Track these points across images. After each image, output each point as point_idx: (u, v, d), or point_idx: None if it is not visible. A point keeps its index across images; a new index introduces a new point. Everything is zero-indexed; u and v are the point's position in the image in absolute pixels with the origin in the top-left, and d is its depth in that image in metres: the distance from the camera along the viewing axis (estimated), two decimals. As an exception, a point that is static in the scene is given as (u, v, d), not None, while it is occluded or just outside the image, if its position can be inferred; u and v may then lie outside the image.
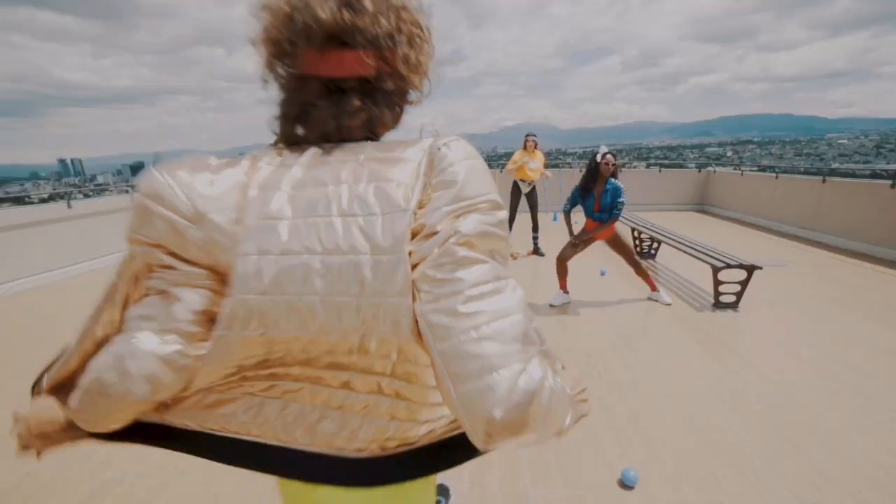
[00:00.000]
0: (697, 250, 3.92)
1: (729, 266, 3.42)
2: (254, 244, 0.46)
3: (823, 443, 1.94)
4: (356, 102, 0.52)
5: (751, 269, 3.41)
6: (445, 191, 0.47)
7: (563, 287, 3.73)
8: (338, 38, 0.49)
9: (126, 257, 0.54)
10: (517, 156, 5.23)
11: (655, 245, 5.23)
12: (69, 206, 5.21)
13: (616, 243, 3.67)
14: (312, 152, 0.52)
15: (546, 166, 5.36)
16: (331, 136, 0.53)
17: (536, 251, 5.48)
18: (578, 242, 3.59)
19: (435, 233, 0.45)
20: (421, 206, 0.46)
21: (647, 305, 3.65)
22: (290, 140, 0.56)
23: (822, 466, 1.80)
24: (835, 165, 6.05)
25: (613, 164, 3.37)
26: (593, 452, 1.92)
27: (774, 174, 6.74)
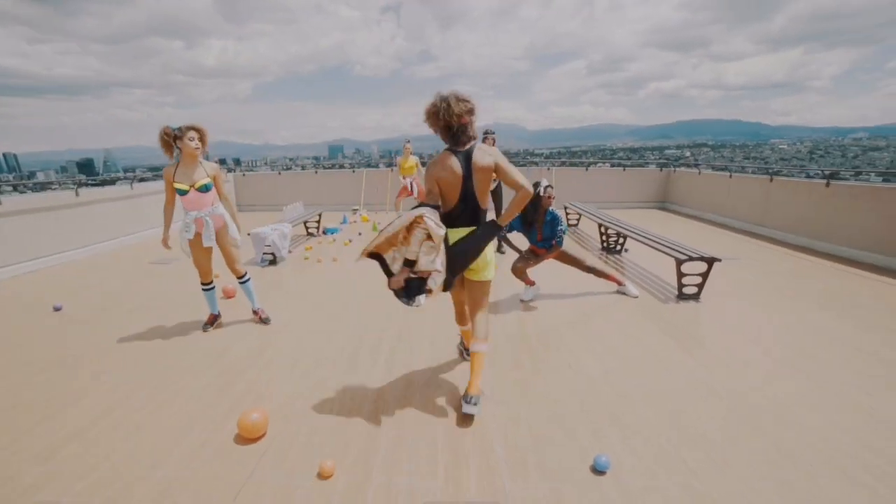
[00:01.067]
0: (662, 244, 4.07)
1: (691, 258, 3.56)
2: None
3: (781, 423, 2.04)
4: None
5: (711, 262, 3.58)
6: None
7: (529, 283, 3.79)
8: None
9: None
10: None
11: (622, 240, 5.39)
12: None
13: (565, 259, 3.72)
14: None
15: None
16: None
17: (499, 248, 5.52)
18: (529, 258, 3.66)
19: None
20: None
21: (615, 298, 3.75)
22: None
23: (782, 445, 1.89)
24: (776, 168, 6.55)
25: (553, 198, 3.44)
26: (568, 444, 1.93)
27: (728, 174, 7.14)
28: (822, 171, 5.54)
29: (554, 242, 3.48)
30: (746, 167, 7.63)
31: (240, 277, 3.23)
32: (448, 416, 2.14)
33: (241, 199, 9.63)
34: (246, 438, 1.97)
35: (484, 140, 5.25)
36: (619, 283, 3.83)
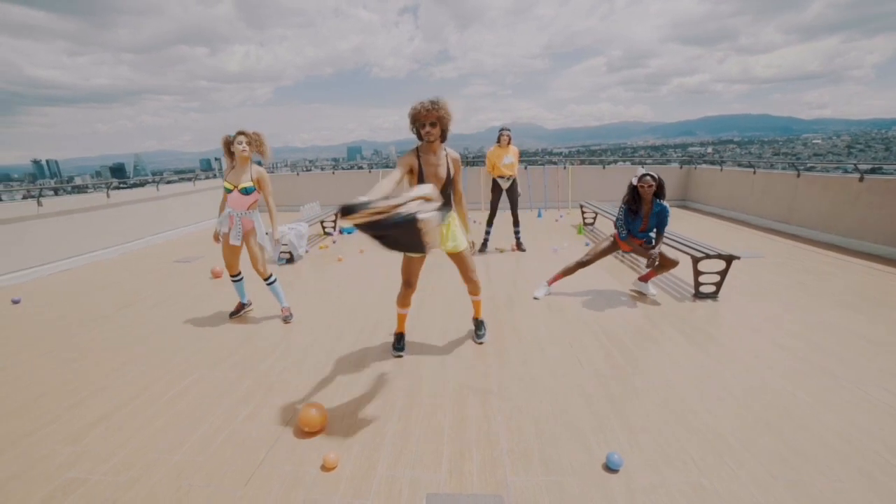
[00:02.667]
0: (678, 241, 3.97)
1: (708, 256, 3.47)
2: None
3: (797, 422, 1.98)
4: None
5: (729, 259, 3.48)
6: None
7: (553, 282, 3.76)
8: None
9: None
10: (491, 153, 5.24)
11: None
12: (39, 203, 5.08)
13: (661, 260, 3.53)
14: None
15: (519, 160, 5.38)
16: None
17: (519, 246, 5.50)
18: (608, 248, 3.61)
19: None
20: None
21: (628, 296, 3.68)
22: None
23: (796, 444, 1.83)
24: (810, 164, 6.20)
25: (651, 186, 3.28)
26: (574, 439, 1.92)
27: (752, 170, 6.90)
28: (857, 165, 5.27)
29: (654, 241, 3.44)
30: (776, 163, 7.34)
31: (265, 279, 3.34)
32: (455, 409, 2.16)
33: (261, 200, 9.89)
34: (305, 432, 2.00)
35: (499, 138, 5.24)
36: (646, 279, 3.71)
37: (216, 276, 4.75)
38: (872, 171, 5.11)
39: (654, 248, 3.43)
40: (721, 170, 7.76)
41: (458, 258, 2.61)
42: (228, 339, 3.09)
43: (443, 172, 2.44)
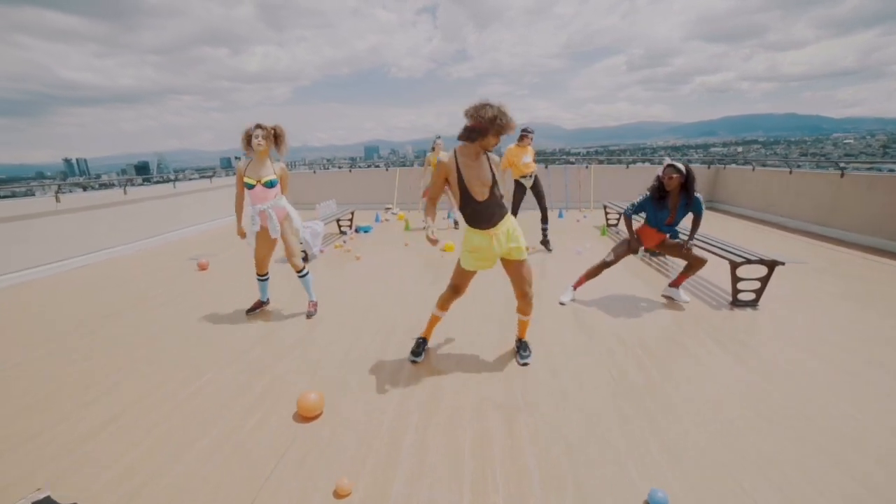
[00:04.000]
0: (714, 245, 3.72)
1: (749, 261, 3.22)
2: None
3: (862, 451, 1.74)
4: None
5: (772, 265, 3.21)
6: None
7: (578, 286, 3.57)
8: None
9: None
10: (510, 151, 5.05)
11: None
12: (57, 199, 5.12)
13: (681, 254, 3.37)
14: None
15: (535, 160, 5.22)
16: None
17: (546, 245, 5.32)
18: (632, 246, 3.39)
19: None
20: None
21: (661, 303, 3.44)
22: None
23: (868, 481, 1.60)
24: (842, 165, 5.77)
25: (672, 178, 3.06)
26: (610, 463, 1.73)
27: (788, 169, 6.52)
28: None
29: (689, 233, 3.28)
30: (803, 164, 6.97)
31: (298, 271, 3.32)
32: (477, 425, 1.99)
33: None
34: (304, 417, 2.05)
35: (521, 138, 5.06)
36: (677, 285, 3.50)
37: (202, 268, 4.82)
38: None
39: (688, 240, 3.26)
40: (753, 169, 7.38)
41: (514, 267, 2.39)
42: (243, 337, 2.99)
43: (486, 174, 2.23)
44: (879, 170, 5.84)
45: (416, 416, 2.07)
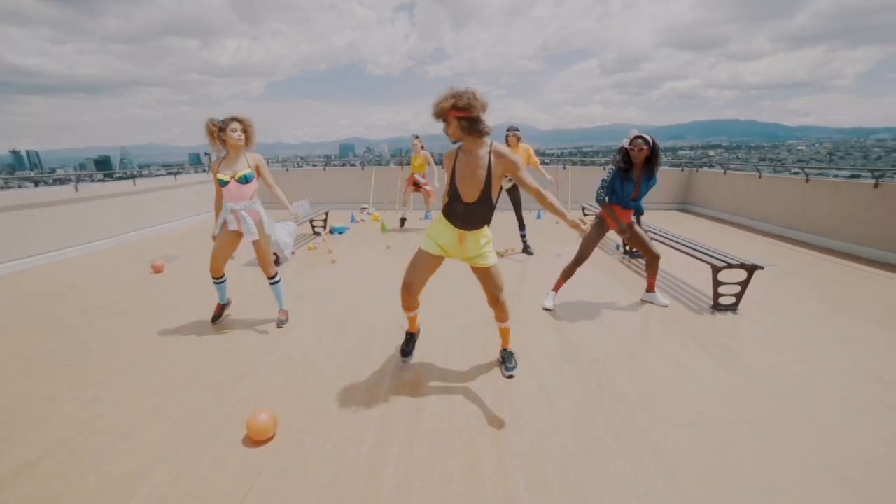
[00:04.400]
0: (695, 249, 3.72)
1: (730, 265, 3.22)
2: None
3: (846, 454, 1.71)
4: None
5: (752, 269, 3.23)
6: None
7: (557, 288, 3.48)
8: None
9: None
10: None
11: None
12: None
13: (634, 238, 3.33)
14: None
15: (528, 161, 5.07)
16: None
17: (526, 250, 5.24)
18: (599, 230, 3.34)
19: None
20: None
21: (642, 308, 3.41)
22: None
23: (853, 484, 1.56)
24: (794, 170, 6.18)
25: (642, 150, 2.95)
26: (608, 488, 1.62)
27: (758, 174, 6.72)
28: (872, 171, 5.11)
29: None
30: (762, 167, 7.27)
31: (270, 278, 3.11)
32: (464, 448, 1.85)
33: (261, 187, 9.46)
34: (254, 441, 1.87)
35: (506, 139, 4.96)
36: (652, 289, 3.49)
37: (157, 270, 4.56)
38: (852, 177, 5.29)
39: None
40: (724, 173, 7.58)
41: (481, 273, 2.25)
42: (206, 352, 2.73)
43: (481, 175, 2.03)
44: (826, 175, 6.18)
45: (397, 442, 1.90)
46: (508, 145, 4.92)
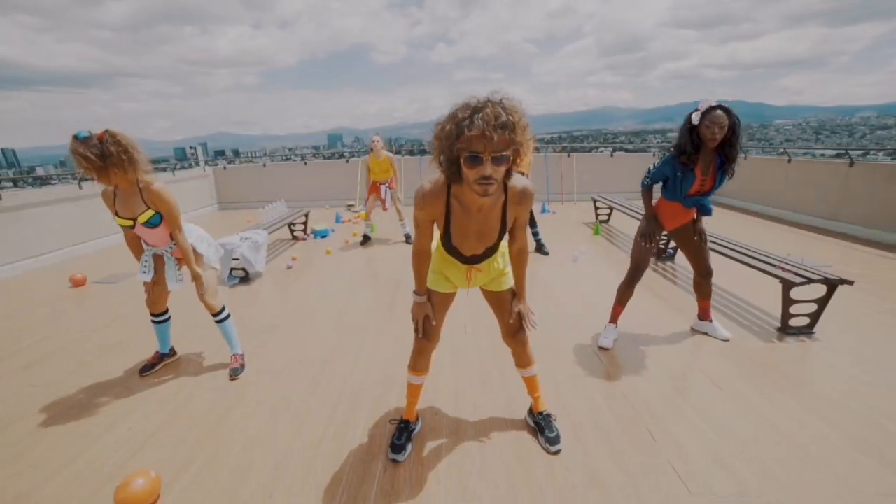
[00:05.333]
0: (754, 257, 3.05)
1: (810, 281, 2.55)
2: None
3: None
4: None
5: (835, 285, 2.56)
6: None
7: (617, 318, 2.67)
8: None
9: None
10: None
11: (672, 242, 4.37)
12: None
13: (690, 245, 2.53)
14: None
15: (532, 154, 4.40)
16: None
17: (540, 249, 4.59)
18: (654, 236, 2.46)
19: None
20: None
21: (697, 341, 2.68)
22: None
23: None
24: (781, 150, 5.87)
25: (723, 127, 2.05)
26: None
27: (787, 158, 6.06)
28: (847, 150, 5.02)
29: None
30: (750, 149, 6.82)
31: (215, 315, 2.40)
32: None
33: (224, 197, 8.61)
34: None
35: None
36: (707, 317, 2.71)
37: (76, 284, 4.07)
38: (838, 156, 5.20)
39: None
40: (745, 158, 6.92)
41: (500, 300, 1.69)
42: (121, 437, 1.97)
43: (493, 227, 1.45)
44: (813, 155, 5.85)
45: None
46: None
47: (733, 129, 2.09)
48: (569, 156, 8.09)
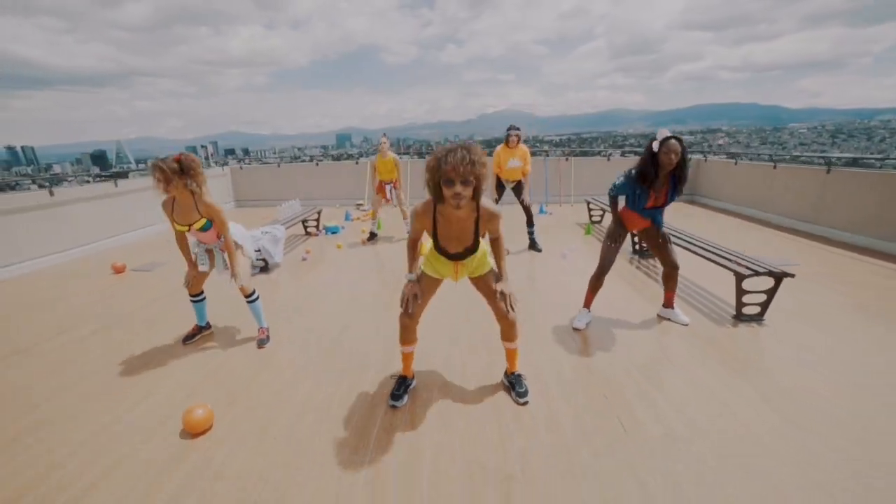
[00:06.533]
0: (713, 252, 3.43)
1: (757, 273, 2.93)
2: None
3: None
4: None
5: (781, 277, 2.94)
6: None
7: (589, 303, 3.10)
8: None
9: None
10: (498, 153, 4.76)
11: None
12: None
13: (655, 243, 2.95)
14: None
15: (528, 164, 4.82)
16: None
17: (533, 246, 5.02)
18: (618, 236, 2.92)
19: None
20: None
21: (659, 325, 3.09)
22: None
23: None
24: (795, 153, 6.04)
25: (678, 154, 2.52)
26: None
27: (772, 164, 6.38)
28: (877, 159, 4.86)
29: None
30: (762, 153, 7.01)
31: (247, 296, 2.88)
32: (468, 485, 1.59)
33: (240, 195, 9.13)
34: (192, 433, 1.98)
35: (507, 139, 4.69)
36: (671, 304, 3.11)
37: (117, 271, 4.60)
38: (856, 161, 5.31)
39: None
40: (735, 163, 7.24)
41: (485, 283, 2.12)
42: (177, 384, 2.45)
43: (469, 234, 1.94)
44: (828, 158, 5.77)
45: (392, 499, 1.64)
46: (509, 145, 4.66)
47: (683, 155, 2.53)
48: (567, 160, 8.47)
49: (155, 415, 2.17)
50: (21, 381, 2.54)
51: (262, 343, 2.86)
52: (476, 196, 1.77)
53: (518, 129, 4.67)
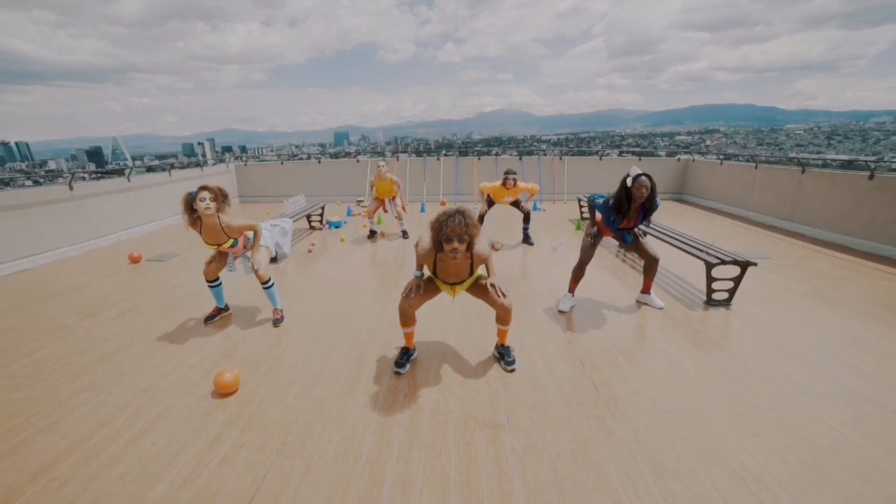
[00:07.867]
0: (688, 244, 3.76)
1: (723, 262, 3.26)
2: None
3: (851, 469, 1.76)
4: None
5: (745, 266, 3.27)
6: None
7: (573, 289, 3.45)
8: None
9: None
10: (495, 189, 5.13)
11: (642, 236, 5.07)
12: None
13: (638, 247, 3.35)
14: None
15: (531, 193, 5.20)
16: None
17: (526, 240, 5.35)
18: (597, 237, 3.40)
19: None
20: None
21: (637, 309, 3.43)
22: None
23: (853, 497, 1.62)
24: (791, 155, 6.28)
25: (647, 188, 2.90)
26: (599, 489, 1.68)
27: (754, 164, 6.73)
28: (866, 162, 5.16)
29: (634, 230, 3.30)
30: (759, 154, 7.32)
31: (264, 283, 3.17)
32: (461, 449, 1.90)
33: (244, 191, 9.40)
34: (222, 394, 2.30)
35: (504, 182, 5.00)
36: (648, 291, 3.45)
37: (134, 261, 4.87)
38: (849, 163, 5.40)
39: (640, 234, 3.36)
40: (721, 163, 7.59)
41: (477, 289, 2.50)
42: (204, 355, 2.76)
43: (464, 271, 2.37)
44: (825, 159, 6.11)
45: (397, 442, 1.95)
46: (506, 188, 4.95)
47: (652, 190, 2.95)
48: (561, 159, 8.80)
49: (187, 380, 2.48)
50: (63, 352, 2.83)
51: (277, 322, 3.16)
52: (469, 248, 2.21)
53: (515, 173, 5.02)
